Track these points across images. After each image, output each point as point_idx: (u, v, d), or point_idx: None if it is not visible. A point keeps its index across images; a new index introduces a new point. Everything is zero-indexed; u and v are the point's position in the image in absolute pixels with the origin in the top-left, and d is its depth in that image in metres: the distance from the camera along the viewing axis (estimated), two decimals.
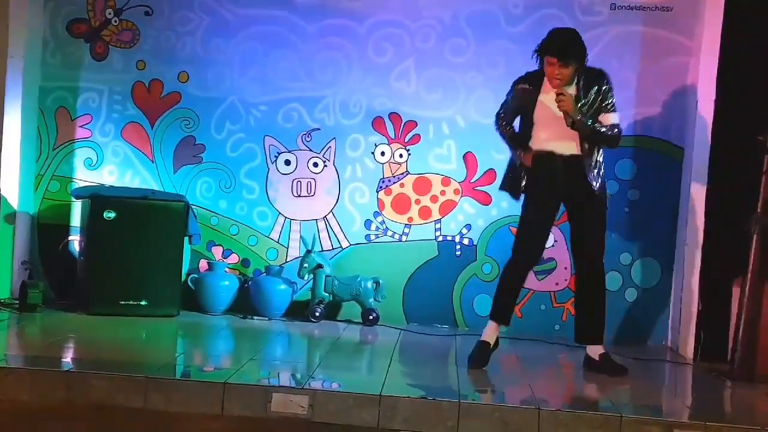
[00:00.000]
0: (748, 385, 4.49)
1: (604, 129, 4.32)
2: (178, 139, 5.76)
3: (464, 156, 5.67)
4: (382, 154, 5.72)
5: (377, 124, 5.71)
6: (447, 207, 5.68)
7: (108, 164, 5.79)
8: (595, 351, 4.53)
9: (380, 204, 5.72)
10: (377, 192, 5.73)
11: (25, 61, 5.56)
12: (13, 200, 5.55)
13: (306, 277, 5.57)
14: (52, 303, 5.44)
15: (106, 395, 3.71)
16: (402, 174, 5.72)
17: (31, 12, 5.60)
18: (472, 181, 5.68)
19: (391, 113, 5.71)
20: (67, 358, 4.28)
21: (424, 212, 5.71)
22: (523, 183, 4.43)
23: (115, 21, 5.76)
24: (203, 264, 5.72)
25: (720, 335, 4.95)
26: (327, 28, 5.72)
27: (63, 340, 4.59)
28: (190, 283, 5.59)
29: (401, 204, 5.72)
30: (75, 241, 5.71)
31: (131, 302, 5.24)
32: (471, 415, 3.65)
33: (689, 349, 5.11)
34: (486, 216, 5.65)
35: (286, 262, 5.73)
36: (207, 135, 5.76)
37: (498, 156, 5.61)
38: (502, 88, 5.55)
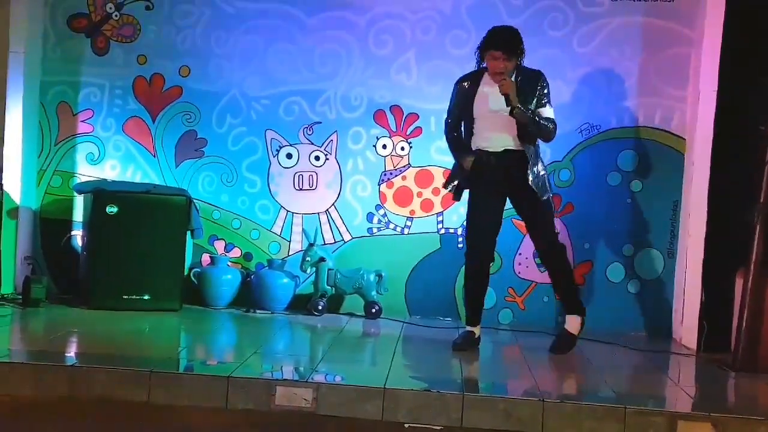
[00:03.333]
0: (751, 376, 4.49)
1: (541, 119, 4.52)
2: (180, 133, 5.76)
3: None
4: (384, 147, 5.72)
5: (378, 116, 5.70)
6: (449, 200, 5.65)
7: (110, 159, 5.79)
8: (573, 326, 4.76)
9: (382, 197, 5.72)
10: (379, 185, 5.73)
11: (26, 56, 5.56)
12: (16, 195, 5.56)
13: (308, 271, 5.57)
14: (55, 298, 5.45)
15: (110, 390, 3.73)
16: (404, 167, 5.72)
17: (31, 7, 5.60)
18: None
19: (392, 106, 5.70)
20: (71, 352, 4.29)
21: (426, 205, 5.70)
22: (460, 183, 4.70)
23: (116, 15, 5.75)
24: (206, 258, 5.72)
25: (723, 326, 4.95)
26: (327, 20, 5.71)
27: (66, 334, 4.60)
28: (192, 277, 5.59)
29: (403, 197, 5.72)
30: (78, 235, 5.71)
31: (134, 296, 5.24)
32: (474, 406, 3.65)
33: (692, 340, 5.11)
34: None
35: (289, 255, 5.73)
36: (208, 129, 5.75)
37: None
38: None
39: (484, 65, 4.61)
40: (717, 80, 5.07)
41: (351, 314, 5.63)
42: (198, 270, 5.63)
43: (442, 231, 5.69)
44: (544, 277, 5.60)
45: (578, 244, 5.57)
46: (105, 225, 5.23)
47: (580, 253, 5.58)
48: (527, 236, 5.55)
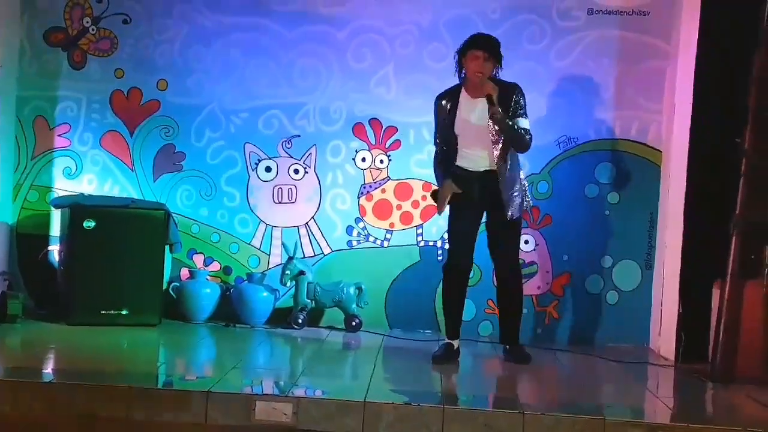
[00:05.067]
0: (728, 386, 4.52)
1: (522, 134, 4.57)
2: (158, 147, 5.74)
3: None
4: (363, 160, 5.72)
5: (358, 130, 5.71)
6: (428, 212, 5.68)
7: (87, 173, 5.75)
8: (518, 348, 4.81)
9: (361, 210, 5.72)
10: (358, 198, 5.73)
11: (2, 70, 5.52)
12: None
13: (288, 284, 5.55)
14: (33, 314, 5.40)
15: (88, 406, 3.69)
16: (383, 180, 5.73)
17: (7, 21, 5.56)
18: None
19: (371, 119, 5.71)
20: (48, 368, 4.25)
21: (406, 218, 5.71)
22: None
23: (93, 29, 5.73)
24: (184, 272, 5.70)
25: (700, 337, 4.98)
26: (306, 34, 5.72)
27: (44, 350, 4.56)
28: (171, 292, 5.56)
29: (383, 210, 5.72)
30: (55, 250, 5.67)
31: (112, 311, 5.20)
32: (455, 419, 3.66)
33: (670, 351, 5.14)
34: None
35: (268, 269, 5.72)
36: (187, 143, 5.74)
37: None
38: None
39: (462, 75, 4.64)
40: (692, 93, 5.13)
41: (331, 327, 5.62)
42: (177, 284, 5.60)
43: (422, 243, 5.70)
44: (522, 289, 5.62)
45: (557, 255, 5.60)
46: (82, 240, 5.20)
47: (559, 265, 5.60)
48: None
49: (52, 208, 5.65)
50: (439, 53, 5.63)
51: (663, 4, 5.48)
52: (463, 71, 4.65)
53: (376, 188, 5.73)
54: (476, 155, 4.64)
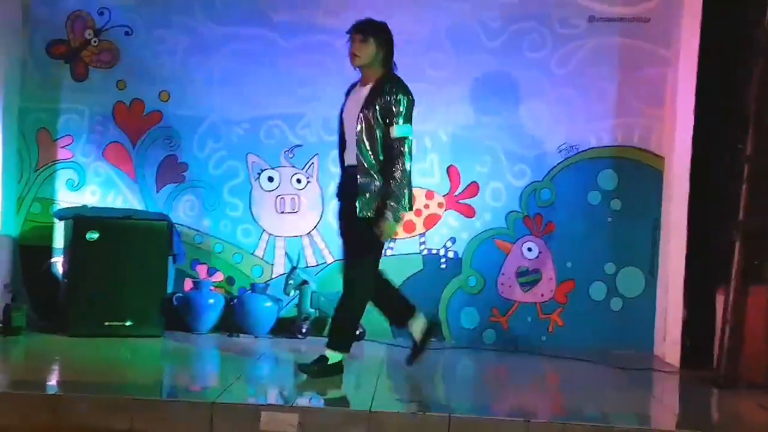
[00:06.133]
0: (733, 392, 4.51)
1: (392, 175, 4.21)
2: (161, 158, 5.74)
3: (447, 169, 5.69)
4: None
5: None
6: (431, 221, 5.68)
7: (90, 185, 5.76)
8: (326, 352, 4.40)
9: None
10: None
11: (5, 82, 5.53)
12: None
13: (291, 294, 5.55)
14: (36, 325, 5.39)
15: (92, 418, 3.68)
16: None
17: (9, 33, 5.57)
18: (455, 194, 5.69)
19: None
20: (52, 380, 4.25)
21: (408, 226, 5.70)
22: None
23: (95, 41, 5.74)
24: (188, 283, 5.69)
25: (705, 343, 4.98)
26: (305, 44, 5.73)
27: (47, 362, 4.55)
28: (175, 302, 5.56)
29: None
30: (58, 262, 5.66)
31: (115, 323, 5.20)
32: (460, 428, 3.64)
33: (675, 357, 5.13)
34: (470, 229, 5.66)
35: (272, 279, 5.71)
36: (189, 153, 5.74)
37: (481, 169, 5.66)
38: (483, 101, 5.65)
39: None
40: (694, 99, 5.13)
41: None
42: (180, 295, 5.59)
43: (425, 252, 5.70)
44: (526, 297, 5.63)
45: (560, 262, 5.59)
46: (86, 251, 5.20)
47: (563, 272, 5.60)
48: (510, 256, 5.62)
49: (56, 220, 5.65)
50: (440, 62, 5.64)
51: (663, 11, 5.49)
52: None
53: None
54: (349, 148, 4.34)
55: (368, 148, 4.25)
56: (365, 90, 4.34)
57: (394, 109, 4.23)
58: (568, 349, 5.42)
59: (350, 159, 4.34)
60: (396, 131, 4.23)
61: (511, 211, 5.64)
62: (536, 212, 5.62)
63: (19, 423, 3.67)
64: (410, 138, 4.28)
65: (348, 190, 4.34)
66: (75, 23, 5.74)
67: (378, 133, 4.24)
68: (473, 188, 5.66)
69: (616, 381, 4.76)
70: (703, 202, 5.14)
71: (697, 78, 5.11)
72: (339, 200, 4.50)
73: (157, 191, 5.75)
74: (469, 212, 5.67)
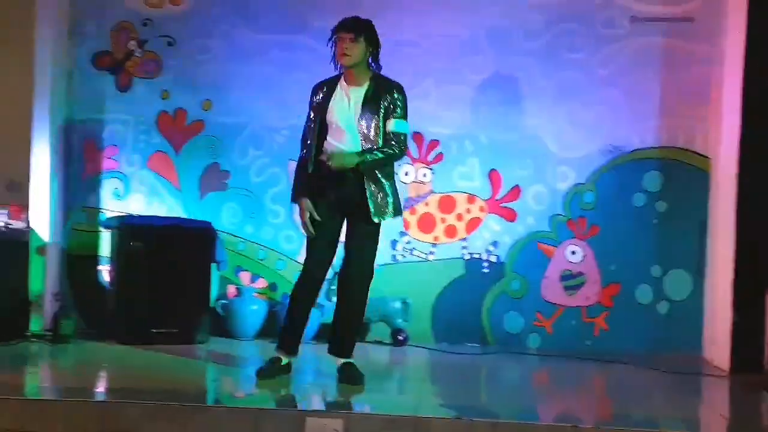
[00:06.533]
0: None
1: (384, 150, 4.16)
2: (203, 166, 5.80)
3: (488, 173, 5.66)
4: (406, 174, 5.72)
5: None
6: (473, 225, 5.66)
7: (135, 193, 5.83)
8: (339, 362, 4.38)
9: (405, 224, 5.71)
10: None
11: (52, 94, 5.63)
12: (44, 233, 5.60)
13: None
14: (84, 333, 5.47)
15: (140, 425, 3.71)
16: (426, 193, 5.72)
17: (56, 46, 5.67)
18: (497, 198, 5.66)
19: (413, 133, 5.70)
20: (100, 388, 4.30)
21: (450, 231, 5.69)
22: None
23: (139, 52, 5.82)
24: (231, 289, 5.74)
25: (755, 346, 4.88)
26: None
27: (95, 370, 4.61)
28: (219, 309, 5.60)
29: (427, 223, 5.71)
30: (105, 270, 5.75)
31: (161, 330, 5.25)
32: None
33: (724, 361, 5.04)
34: (512, 232, 5.63)
35: None
36: (231, 161, 5.79)
37: (522, 172, 5.63)
38: (524, 103, 5.62)
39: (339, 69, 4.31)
40: (741, 98, 5.04)
41: (378, 342, 5.61)
42: (224, 302, 5.64)
43: (467, 257, 5.67)
44: (571, 300, 5.58)
45: (605, 266, 5.54)
46: (131, 259, 5.26)
47: (608, 275, 5.54)
48: (553, 259, 5.57)
49: (102, 229, 5.73)
50: (480, 65, 5.62)
51: (708, 11, 5.42)
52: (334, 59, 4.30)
53: (419, 202, 5.72)
54: (338, 149, 4.19)
55: (376, 150, 4.16)
56: (360, 90, 4.22)
57: (398, 109, 4.19)
58: (614, 354, 5.36)
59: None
60: (395, 125, 4.18)
61: (554, 214, 5.59)
62: (580, 215, 5.56)
63: (68, 431, 3.72)
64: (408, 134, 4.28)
65: (346, 192, 4.19)
66: (119, 35, 5.82)
67: (381, 133, 4.19)
68: (515, 191, 5.63)
69: (664, 385, 4.69)
70: (751, 202, 5.04)
71: (744, 77, 5.02)
72: (329, 201, 4.23)
73: (201, 199, 5.80)
74: (511, 216, 5.64)
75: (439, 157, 5.70)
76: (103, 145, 5.84)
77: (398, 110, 4.21)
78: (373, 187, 4.19)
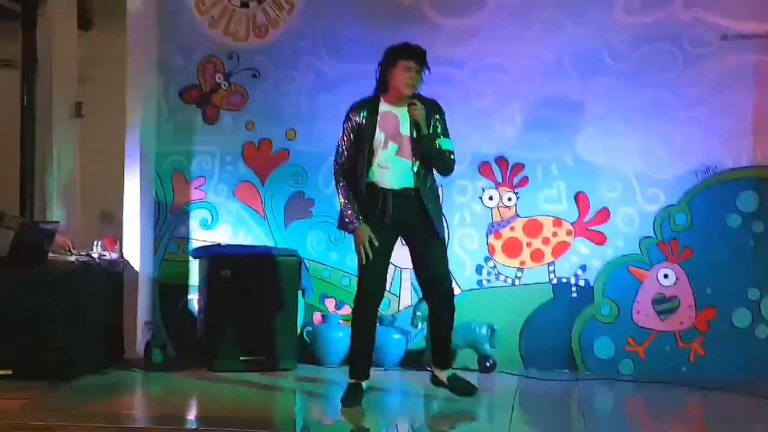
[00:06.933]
0: None
1: (445, 153, 4.35)
2: (288, 195, 5.86)
3: (575, 196, 5.57)
4: (490, 198, 5.67)
5: (483, 168, 5.67)
6: (560, 249, 5.56)
7: (222, 223, 5.93)
8: (444, 374, 4.51)
9: (490, 248, 5.65)
10: (487, 236, 5.66)
11: (142, 129, 5.79)
12: (135, 262, 5.75)
13: (420, 326, 5.52)
14: (175, 361, 5.56)
15: None
16: (511, 217, 5.65)
17: (146, 82, 5.85)
18: (584, 221, 5.55)
19: (497, 157, 5.66)
20: (191, 415, 4.36)
21: (536, 255, 5.60)
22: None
23: (225, 85, 5.95)
24: (317, 316, 5.76)
25: None
26: (427, 77, 5.72)
27: (186, 398, 4.69)
28: (305, 336, 5.63)
29: (512, 247, 5.63)
30: (194, 299, 5.85)
31: (251, 357, 5.31)
32: None
33: None
34: (601, 256, 5.51)
35: (399, 311, 5.71)
36: (315, 189, 5.84)
37: (610, 194, 5.51)
38: (609, 125, 5.52)
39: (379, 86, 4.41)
40: None
41: (465, 368, 5.53)
42: (310, 329, 5.67)
43: (554, 281, 5.57)
44: (664, 326, 5.41)
45: (700, 289, 5.36)
46: (220, 288, 5.34)
47: (702, 299, 5.36)
48: (644, 283, 5.42)
49: (191, 258, 5.85)
50: (565, 87, 5.55)
51: None
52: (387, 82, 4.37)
53: (504, 226, 5.65)
54: (394, 167, 4.34)
55: (426, 169, 4.34)
56: (404, 110, 4.30)
57: (440, 128, 4.35)
58: (711, 380, 5.15)
59: (403, 181, 4.33)
60: (443, 144, 4.34)
61: (644, 237, 5.45)
62: (672, 237, 5.41)
63: None
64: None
65: (404, 211, 4.32)
66: (206, 68, 5.96)
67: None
68: (603, 214, 5.51)
69: (766, 413, 4.49)
70: None
71: None
72: (402, 231, 4.41)
73: (286, 227, 5.86)
74: (599, 239, 5.52)
75: (524, 180, 5.63)
76: (191, 176, 5.97)
77: (440, 128, 4.34)
78: (431, 205, 4.33)
